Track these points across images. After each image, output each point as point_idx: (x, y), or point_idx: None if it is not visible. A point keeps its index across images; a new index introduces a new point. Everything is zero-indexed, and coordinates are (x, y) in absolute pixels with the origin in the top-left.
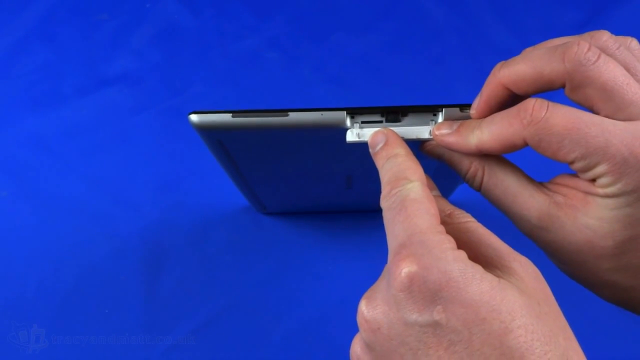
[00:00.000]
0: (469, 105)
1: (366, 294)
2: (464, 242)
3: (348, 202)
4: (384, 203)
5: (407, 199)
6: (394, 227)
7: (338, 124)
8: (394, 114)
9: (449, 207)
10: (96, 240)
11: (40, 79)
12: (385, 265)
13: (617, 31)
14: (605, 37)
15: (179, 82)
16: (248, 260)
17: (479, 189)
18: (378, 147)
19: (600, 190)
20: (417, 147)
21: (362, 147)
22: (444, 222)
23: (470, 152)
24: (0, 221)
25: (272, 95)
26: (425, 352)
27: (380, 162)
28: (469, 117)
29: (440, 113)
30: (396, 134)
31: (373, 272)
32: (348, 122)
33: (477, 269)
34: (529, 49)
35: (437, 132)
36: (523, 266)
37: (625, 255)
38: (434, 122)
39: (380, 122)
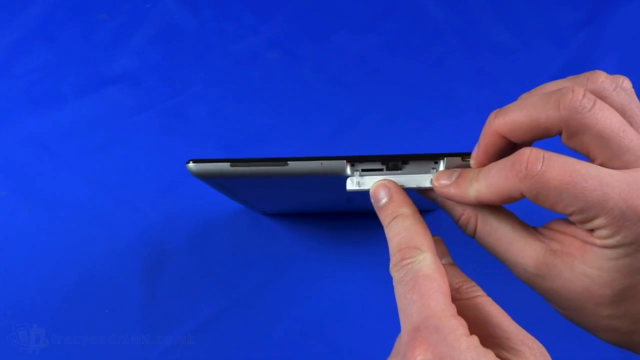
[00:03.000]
0: (469, 155)
1: None
2: (472, 320)
3: (348, 206)
4: (394, 272)
5: (420, 275)
6: (407, 306)
7: (338, 172)
8: (394, 162)
9: (457, 280)
10: (96, 240)
11: (40, 79)
12: (397, 340)
13: (616, 31)
14: (601, 78)
15: (179, 82)
16: (248, 261)
17: (472, 235)
18: (382, 203)
19: (598, 241)
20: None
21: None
22: (452, 298)
23: (470, 203)
24: (0, 221)
25: (272, 95)
26: None
27: (386, 220)
28: (470, 166)
29: (441, 161)
30: (399, 188)
31: (372, 273)
32: (348, 171)
33: (489, 357)
34: (524, 95)
35: (436, 183)
36: (530, 349)
37: (624, 302)
38: (435, 170)
39: (381, 170)
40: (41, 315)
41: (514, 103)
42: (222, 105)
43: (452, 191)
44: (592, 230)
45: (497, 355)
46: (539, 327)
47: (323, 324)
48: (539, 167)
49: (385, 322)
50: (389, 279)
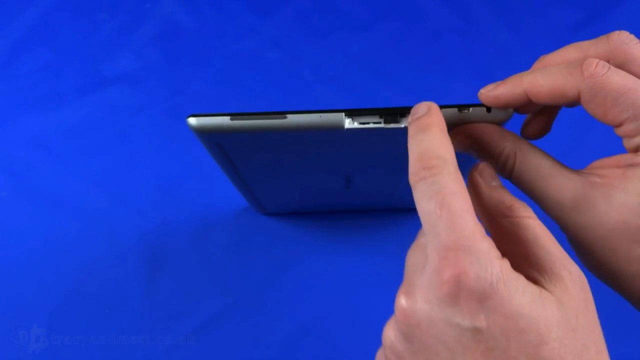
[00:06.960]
0: (467, 106)
1: (403, 289)
2: (519, 239)
3: (347, 203)
4: (414, 180)
5: (446, 191)
6: (434, 222)
7: (336, 125)
8: (392, 115)
9: (509, 199)
10: (96, 240)
11: (40, 79)
12: (416, 254)
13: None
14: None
15: (179, 82)
16: (248, 260)
17: (510, 173)
18: (417, 115)
19: None
20: None
21: (360, 146)
22: (503, 215)
23: (516, 97)
24: (0, 221)
25: (272, 95)
26: (461, 353)
27: (412, 132)
28: (467, 118)
29: None
30: (439, 110)
31: (373, 271)
32: (346, 124)
33: (520, 281)
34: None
35: (483, 91)
36: (571, 275)
37: None
38: None
39: (379, 123)
40: (41, 315)
41: (538, 70)
42: (222, 105)
43: (500, 88)
44: (636, 152)
45: (531, 277)
46: None
47: (323, 324)
48: (605, 71)
49: (386, 321)
50: (388, 279)
